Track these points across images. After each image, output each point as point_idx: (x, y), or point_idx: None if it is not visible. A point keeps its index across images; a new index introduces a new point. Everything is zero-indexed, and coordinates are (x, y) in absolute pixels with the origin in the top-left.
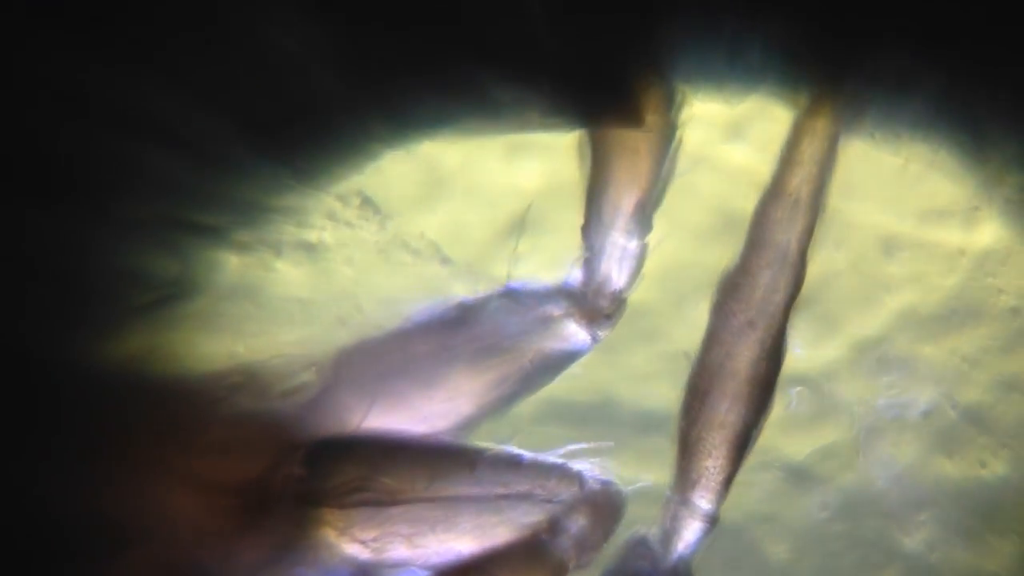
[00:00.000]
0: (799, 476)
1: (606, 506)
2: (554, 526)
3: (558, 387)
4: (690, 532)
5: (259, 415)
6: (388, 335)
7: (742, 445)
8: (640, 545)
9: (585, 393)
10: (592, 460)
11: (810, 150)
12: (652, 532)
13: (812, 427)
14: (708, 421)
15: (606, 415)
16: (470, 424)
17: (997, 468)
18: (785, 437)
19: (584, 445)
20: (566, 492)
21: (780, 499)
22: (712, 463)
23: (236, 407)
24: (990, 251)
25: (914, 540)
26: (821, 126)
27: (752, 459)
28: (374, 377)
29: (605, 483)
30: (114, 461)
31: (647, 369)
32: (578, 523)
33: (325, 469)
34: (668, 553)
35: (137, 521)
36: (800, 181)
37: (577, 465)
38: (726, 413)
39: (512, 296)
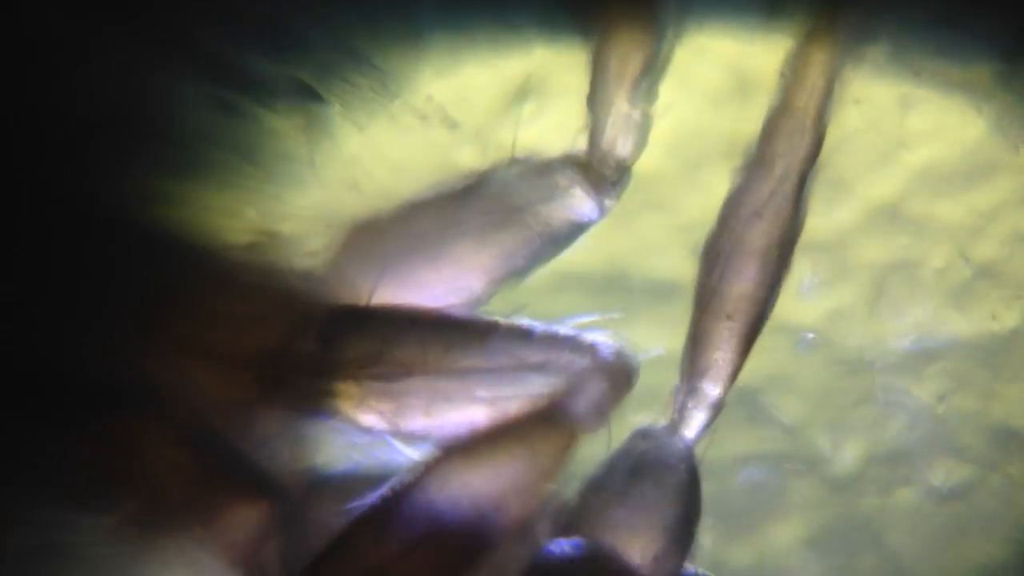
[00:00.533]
0: (811, 338)
1: (618, 375)
2: (567, 396)
3: (571, 258)
4: (696, 421)
5: (273, 285)
6: (396, 210)
7: (752, 335)
8: (645, 435)
9: (598, 264)
10: (603, 330)
11: (814, 78)
12: (658, 422)
13: (825, 291)
14: (718, 311)
15: (619, 285)
16: (479, 299)
17: (1008, 320)
18: (799, 301)
19: (595, 316)
20: (578, 362)
21: (793, 362)
22: (721, 354)
23: (251, 276)
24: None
25: (923, 392)
26: (821, 54)
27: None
28: (384, 254)
29: (617, 352)
30: (142, 323)
31: (659, 239)
32: (590, 392)
33: (339, 342)
34: (673, 441)
35: (157, 384)
36: (805, 104)
37: (589, 335)
38: (736, 302)
39: (519, 166)
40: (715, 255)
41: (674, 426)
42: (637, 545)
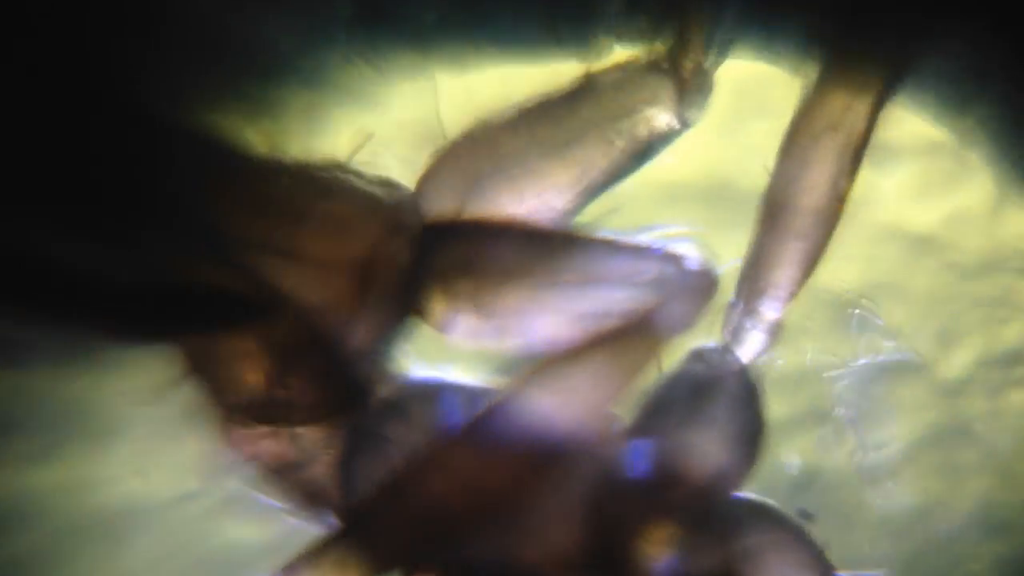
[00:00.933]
0: (925, 244)
1: (700, 287)
2: (650, 309)
3: (674, 167)
4: (753, 343)
5: (367, 195)
6: (479, 129)
7: (819, 254)
8: (698, 355)
9: (702, 173)
10: (691, 241)
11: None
12: (713, 344)
13: (944, 194)
14: (787, 228)
15: (723, 195)
16: (566, 214)
17: None
18: (915, 205)
19: (682, 227)
20: (662, 273)
21: (903, 268)
22: (785, 274)
23: (346, 184)
24: None
25: None
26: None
27: (875, 230)
28: (468, 174)
29: (701, 264)
30: (240, 229)
31: (767, 146)
32: (673, 305)
33: (431, 250)
34: (728, 361)
35: (256, 292)
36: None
37: (673, 246)
38: (806, 219)
39: (599, 80)
40: (786, 168)
41: (728, 347)
42: (699, 461)
